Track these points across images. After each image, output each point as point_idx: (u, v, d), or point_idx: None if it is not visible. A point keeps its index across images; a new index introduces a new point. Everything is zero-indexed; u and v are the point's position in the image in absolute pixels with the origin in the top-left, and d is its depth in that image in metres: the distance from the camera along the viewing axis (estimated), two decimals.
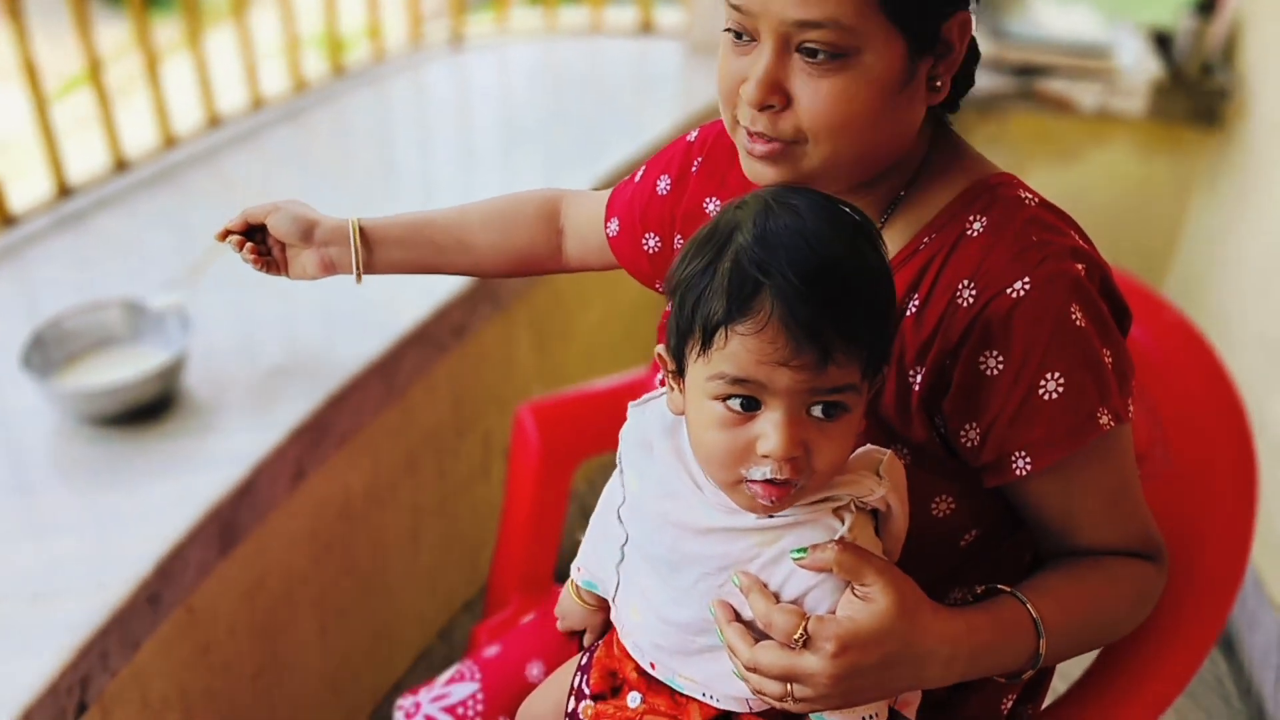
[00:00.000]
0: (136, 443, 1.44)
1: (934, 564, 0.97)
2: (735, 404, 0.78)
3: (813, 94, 0.86)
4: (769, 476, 0.78)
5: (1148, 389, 1.20)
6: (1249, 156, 2.42)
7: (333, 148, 2.24)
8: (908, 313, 0.93)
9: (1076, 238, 0.92)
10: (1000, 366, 0.89)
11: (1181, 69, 2.53)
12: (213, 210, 1.96)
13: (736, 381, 0.78)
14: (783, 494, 0.80)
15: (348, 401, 1.57)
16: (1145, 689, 1.10)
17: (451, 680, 1.32)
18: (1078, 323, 0.88)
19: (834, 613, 0.83)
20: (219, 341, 1.61)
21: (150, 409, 1.47)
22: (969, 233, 0.92)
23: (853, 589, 0.82)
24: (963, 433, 0.92)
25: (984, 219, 0.92)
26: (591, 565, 1.02)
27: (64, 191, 1.92)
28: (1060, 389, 0.88)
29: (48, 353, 1.47)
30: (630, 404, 0.94)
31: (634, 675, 0.97)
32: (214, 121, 2.17)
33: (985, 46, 2.54)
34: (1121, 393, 0.91)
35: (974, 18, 0.91)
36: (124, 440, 1.44)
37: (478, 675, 1.30)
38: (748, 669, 0.83)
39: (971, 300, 0.89)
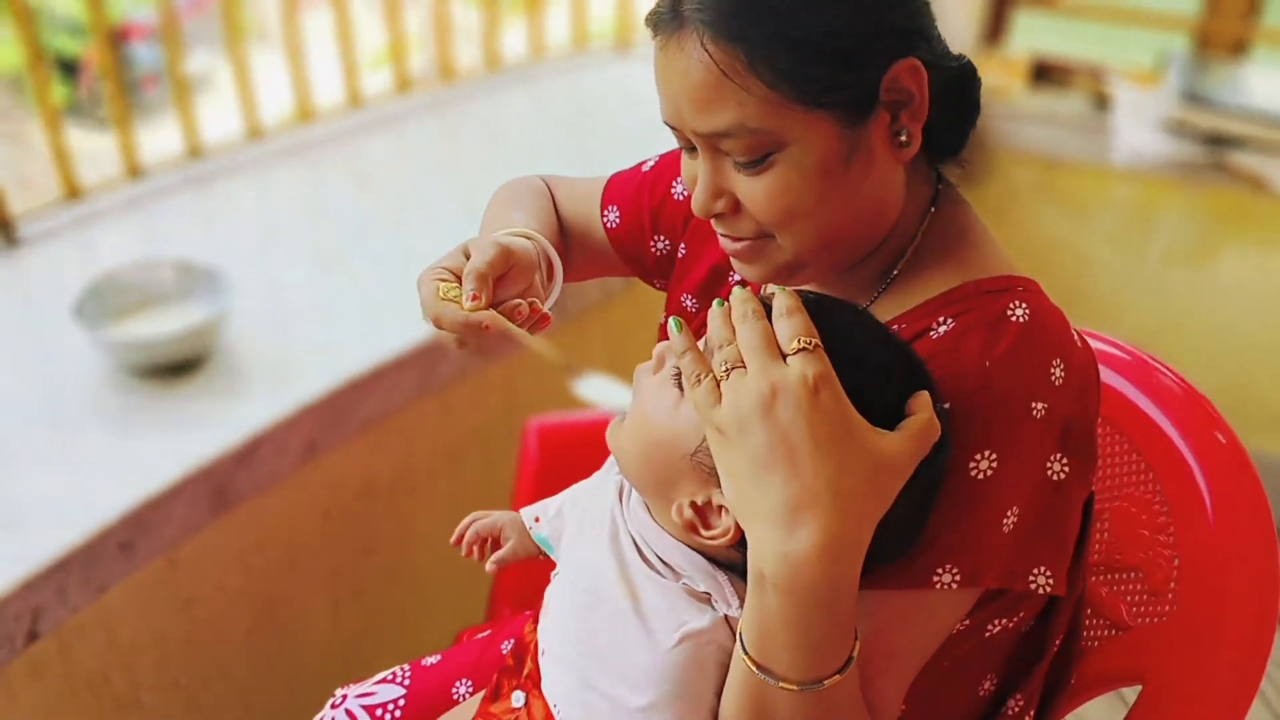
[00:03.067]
0: (164, 397, 1.52)
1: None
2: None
3: (752, 195, 0.82)
4: None
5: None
6: None
7: (473, 144, 2.28)
8: None
9: (1057, 372, 0.81)
10: None
11: None
12: (332, 190, 2.06)
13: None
14: None
15: (374, 387, 1.59)
16: None
17: (383, 680, 1.31)
18: (975, 471, 0.79)
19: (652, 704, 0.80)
20: (266, 310, 1.67)
21: (184, 365, 1.55)
22: (931, 333, 0.84)
23: None
24: None
25: (952, 323, 0.83)
26: (551, 527, 1.02)
27: (195, 152, 2.05)
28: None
29: (103, 303, 1.57)
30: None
31: (530, 663, 0.96)
32: (355, 101, 2.26)
33: (1175, 110, 2.29)
34: (1015, 559, 0.80)
35: (921, 61, 0.81)
36: (155, 392, 1.52)
37: (407, 680, 1.29)
38: (719, 344, 0.75)
39: None
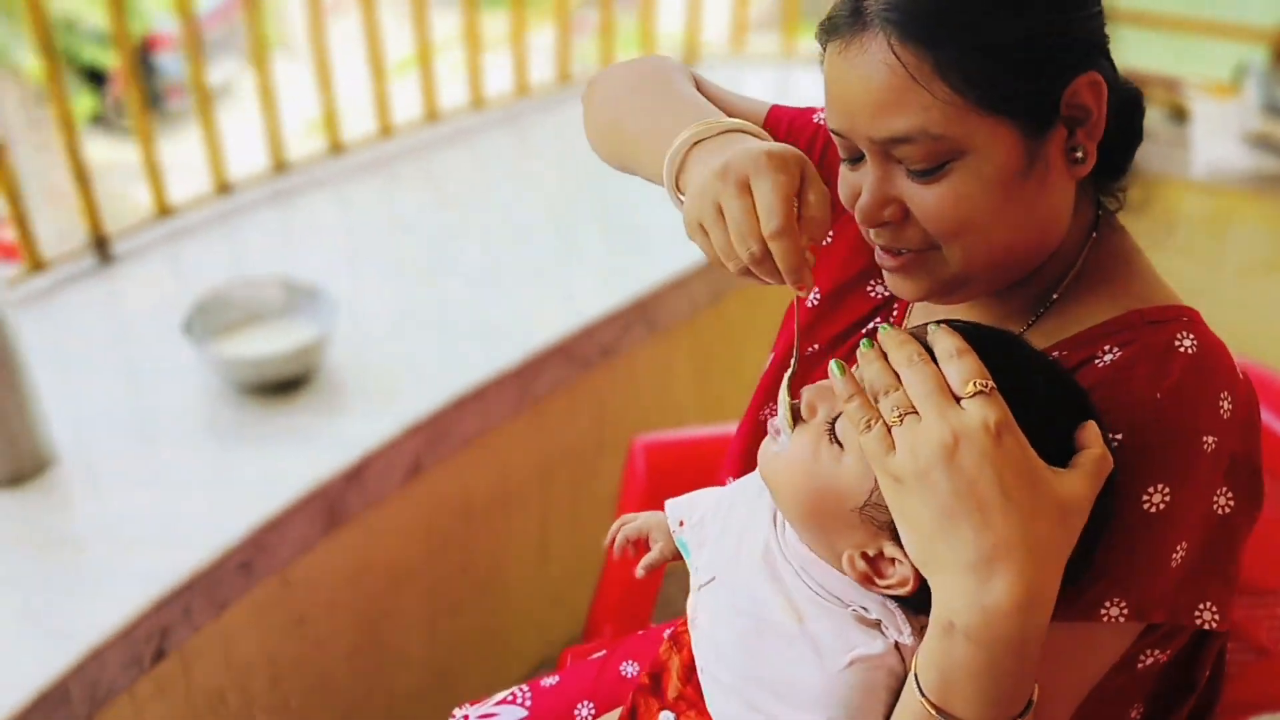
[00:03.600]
0: (271, 414, 1.52)
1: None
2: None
3: (924, 203, 0.80)
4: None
5: None
6: None
7: (547, 157, 2.28)
8: None
9: (1225, 404, 0.80)
10: None
11: None
12: (415, 205, 2.06)
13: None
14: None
15: (474, 405, 1.59)
16: None
17: (503, 701, 1.31)
18: (1148, 505, 0.77)
19: None
20: (371, 329, 1.67)
21: (291, 384, 1.55)
22: (1097, 361, 0.82)
23: None
24: None
25: (1119, 352, 0.82)
26: (694, 534, 1.00)
27: (280, 167, 2.06)
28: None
29: (210, 319, 1.57)
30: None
31: (676, 682, 0.94)
32: (432, 116, 2.27)
33: (1256, 122, 2.28)
34: (1181, 594, 0.79)
35: (1102, 76, 0.80)
36: (262, 410, 1.52)
37: (528, 702, 1.29)
38: (884, 389, 0.70)
39: None
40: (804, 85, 2.59)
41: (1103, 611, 0.78)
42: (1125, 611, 0.77)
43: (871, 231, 0.85)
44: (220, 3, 7.18)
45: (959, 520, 0.68)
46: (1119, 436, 0.78)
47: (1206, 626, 0.80)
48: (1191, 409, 0.79)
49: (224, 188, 1.98)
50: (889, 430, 0.70)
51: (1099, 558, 0.77)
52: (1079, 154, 0.81)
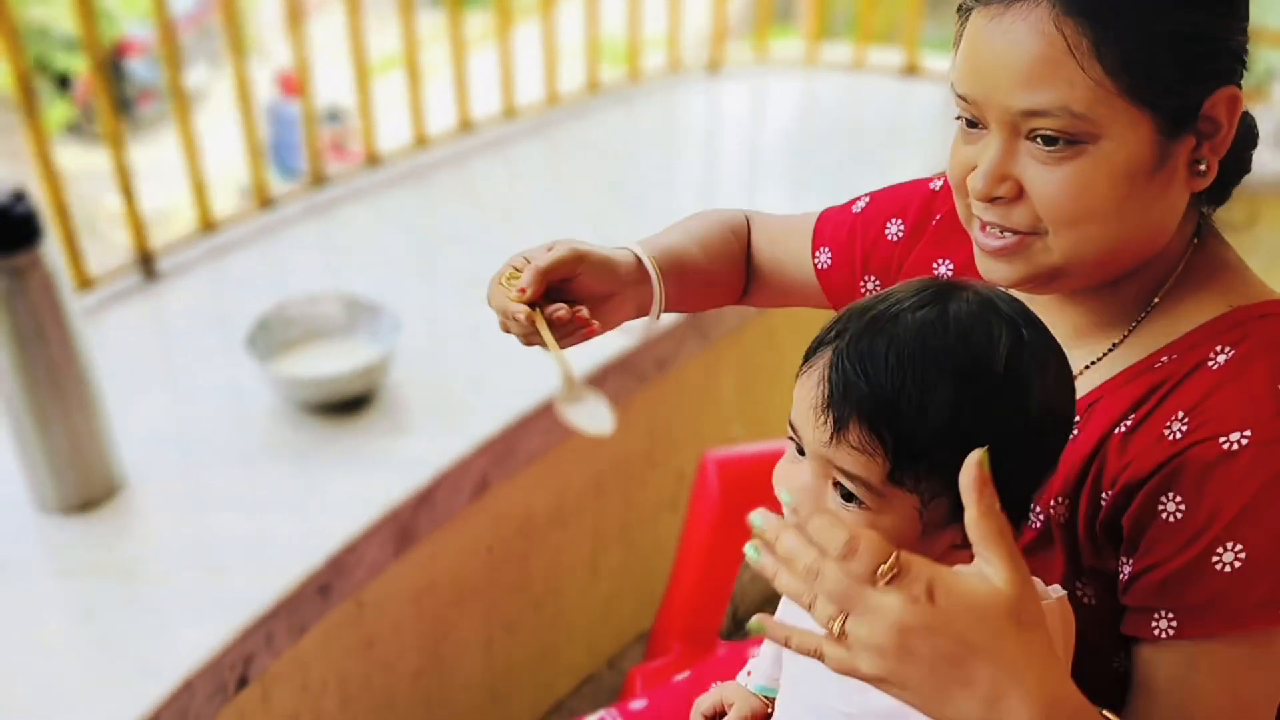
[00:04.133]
0: (337, 433, 1.50)
1: None
2: (793, 445, 0.79)
3: (1045, 184, 0.79)
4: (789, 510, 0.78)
5: None
6: None
7: (579, 165, 2.27)
8: (1116, 431, 0.84)
9: None
10: (1179, 515, 0.78)
11: None
12: (456, 215, 2.04)
13: (790, 424, 0.79)
14: None
15: (539, 422, 1.58)
16: None
17: None
18: None
19: None
20: (427, 345, 1.65)
21: (354, 402, 1.53)
22: (1210, 363, 0.82)
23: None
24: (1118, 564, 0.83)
25: (1232, 351, 0.81)
26: (768, 675, 1.01)
27: (318, 180, 2.04)
28: (1239, 562, 0.76)
29: (271, 336, 1.55)
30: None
31: None
32: (466, 126, 2.25)
33: None
34: None
35: (1242, 95, 0.81)
36: (325, 429, 1.50)
37: None
38: (804, 577, 0.68)
39: (1180, 435, 0.79)
40: (730, 99, 2.58)
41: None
42: None
43: (977, 207, 0.84)
44: (193, 8, 7.11)
45: (949, 689, 0.66)
46: (1247, 435, 0.77)
47: None
48: None
49: (265, 201, 1.95)
50: (843, 636, 0.67)
51: (1262, 561, 0.76)
52: (1202, 166, 0.81)
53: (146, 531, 1.35)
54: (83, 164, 4.86)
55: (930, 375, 0.71)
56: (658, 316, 1.03)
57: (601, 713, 1.30)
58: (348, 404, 1.53)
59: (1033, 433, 0.75)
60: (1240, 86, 0.81)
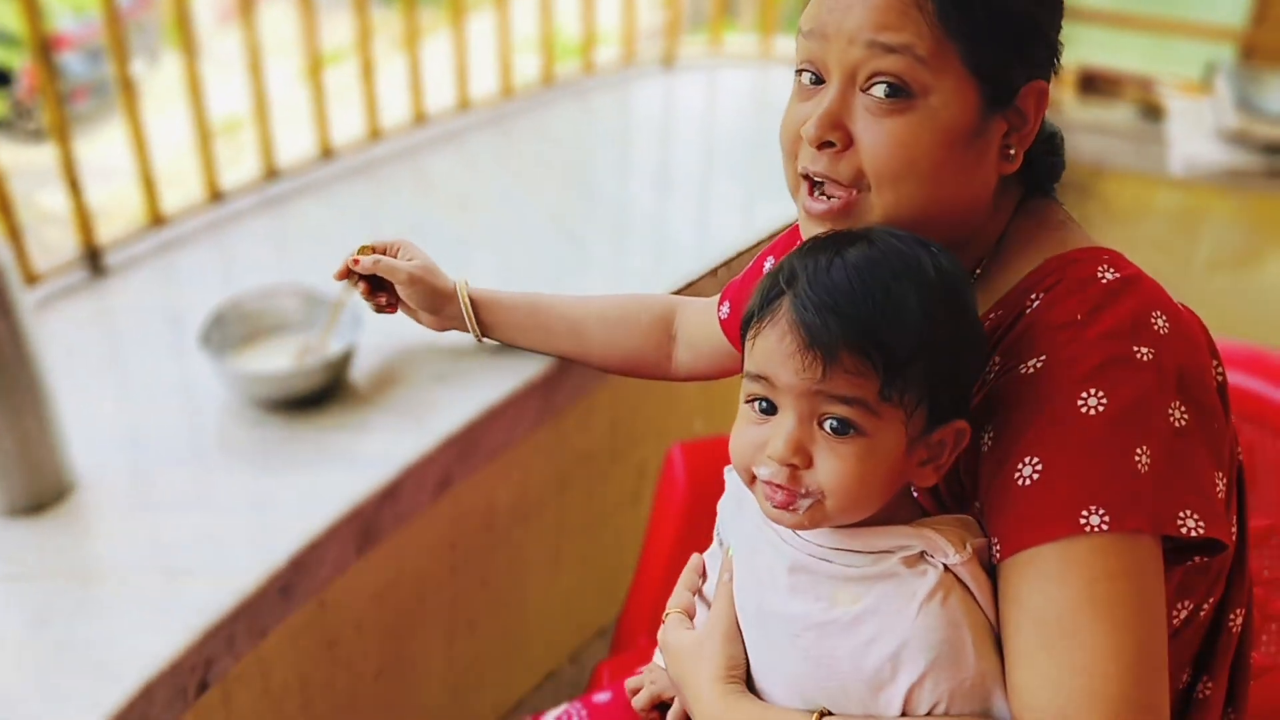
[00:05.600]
0: (295, 430, 1.47)
1: None
2: (757, 406, 0.82)
3: (874, 136, 0.84)
4: (769, 478, 0.80)
5: None
6: None
7: (534, 157, 2.25)
8: None
9: (1159, 321, 0.82)
10: (989, 443, 0.83)
11: None
12: (411, 208, 2.01)
13: (756, 379, 0.81)
14: (787, 499, 0.80)
15: (503, 417, 1.56)
16: None
17: (559, 718, 1.28)
18: (1085, 408, 0.78)
19: (925, 676, 0.79)
20: (387, 340, 1.62)
21: (314, 398, 1.50)
22: (1026, 310, 0.86)
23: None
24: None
25: (1044, 295, 0.86)
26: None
27: (271, 174, 2.00)
28: (1035, 475, 0.79)
29: (226, 331, 1.51)
30: (726, 469, 0.95)
31: None
32: (420, 119, 2.22)
33: (1233, 120, 2.34)
34: (1158, 500, 0.78)
35: (1050, 92, 0.88)
36: (285, 426, 1.47)
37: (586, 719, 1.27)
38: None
39: (992, 375, 0.85)
40: (685, 93, 2.59)
41: (1083, 520, 0.77)
42: (1106, 520, 0.77)
43: (805, 157, 0.87)
44: (126, 3, 6.99)
45: None
46: (1042, 358, 0.81)
47: (1191, 533, 0.79)
48: (1116, 321, 0.81)
49: (216, 195, 1.91)
50: None
51: (1060, 475, 0.78)
52: (1011, 151, 0.88)
53: (100, 534, 1.31)
54: (16, 161, 4.74)
55: (895, 288, 0.77)
56: (479, 339, 1.32)
57: (566, 706, 1.29)
58: (306, 400, 1.49)
59: (976, 330, 0.82)
60: (1049, 83, 0.88)
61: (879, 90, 0.82)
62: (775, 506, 0.81)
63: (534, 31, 2.43)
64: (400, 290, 1.16)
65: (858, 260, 0.78)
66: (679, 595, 1.03)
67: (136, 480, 1.38)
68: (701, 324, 1.28)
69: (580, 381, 1.70)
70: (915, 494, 0.89)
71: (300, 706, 1.44)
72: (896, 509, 0.83)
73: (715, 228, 2.01)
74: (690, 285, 1.84)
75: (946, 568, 0.80)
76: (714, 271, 1.78)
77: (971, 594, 0.81)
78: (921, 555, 0.81)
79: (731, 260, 1.80)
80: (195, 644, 1.19)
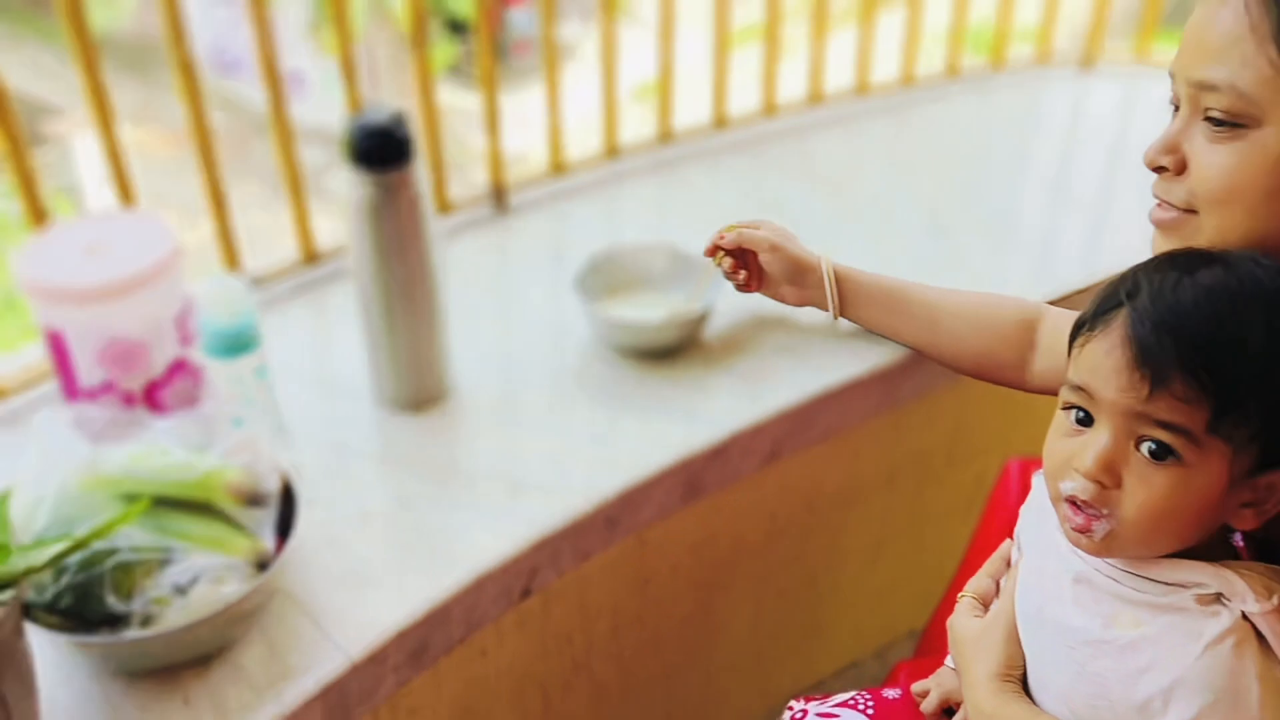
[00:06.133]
0: (645, 378, 1.57)
1: None
2: (1073, 415, 0.79)
3: (1204, 163, 0.83)
4: (1072, 493, 0.77)
5: None
6: None
7: (924, 149, 2.22)
8: None
9: None
10: None
11: None
12: (791, 184, 2.06)
13: (1076, 389, 0.78)
14: (1087, 522, 0.77)
15: (840, 400, 1.58)
16: None
17: (844, 704, 1.29)
18: None
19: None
20: (742, 305, 1.68)
21: (667, 352, 1.59)
22: None
23: None
24: None
25: None
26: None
27: (666, 136, 2.11)
28: None
29: (599, 278, 1.64)
30: (1036, 473, 0.92)
31: None
32: (816, 98, 2.26)
33: None
34: None
35: None
36: (636, 373, 1.58)
37: (871, 710, 1.27)
38: None
39: None
40: (1098, 99, 2.39)
41: None
42: None
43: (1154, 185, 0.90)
44: None
45: None
46: None
47: None
48: None
49: (613, 151, 2.05)
50: None
51: None
52: None
53: (462, 439, 1.47)
54: (461, 104, 5.27)
55: (1245, 315, 0.73)
56: (835, 317, 1.18)
57: (855, 694, 1.30)
58: (661, 352, 1.59)
59: None
60: None
61: (1212, 121, 0.82)
62: (1073, 529, 0.78)
63: (945, 23, 2.38)
64: (762, 258, 1.19)
65: (1209, 281, 0.74)
66: (979, 580, 1.02)
67: (501, 398, 1.54)
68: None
69: (927, 379, 1.69)
70: (1239, 539, 0.83)
71: (609, 631, 1.55)
72: (1206, 547, 0.78)
73: (1109, 242, 1.90)
74: (1069, 296, 1.76)
75: (1245, 615, 0.75)
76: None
77: (1270, 648, 0.74)
78: (1217, 597, 0.76)
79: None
80: (525, 552, 1.32)
